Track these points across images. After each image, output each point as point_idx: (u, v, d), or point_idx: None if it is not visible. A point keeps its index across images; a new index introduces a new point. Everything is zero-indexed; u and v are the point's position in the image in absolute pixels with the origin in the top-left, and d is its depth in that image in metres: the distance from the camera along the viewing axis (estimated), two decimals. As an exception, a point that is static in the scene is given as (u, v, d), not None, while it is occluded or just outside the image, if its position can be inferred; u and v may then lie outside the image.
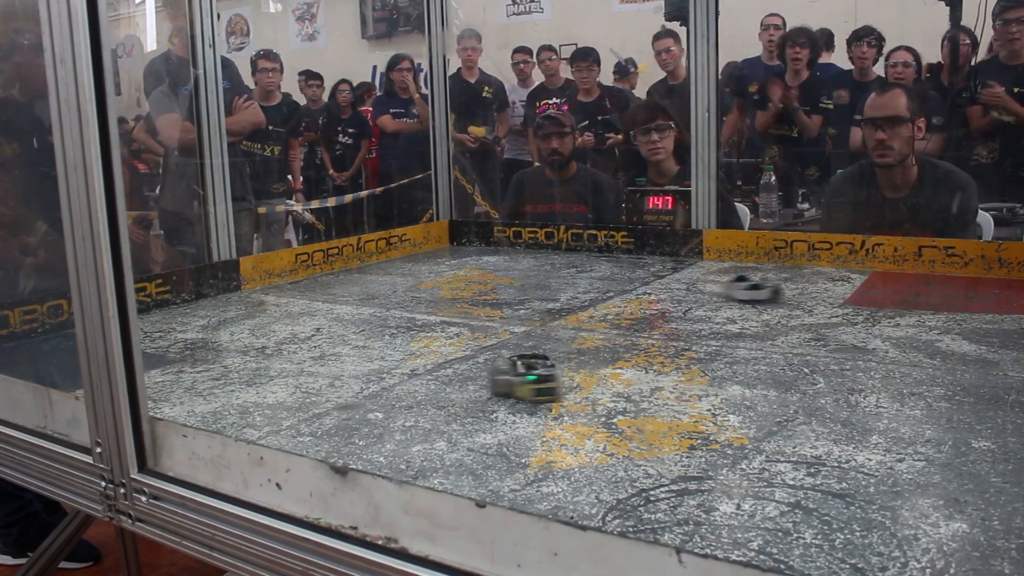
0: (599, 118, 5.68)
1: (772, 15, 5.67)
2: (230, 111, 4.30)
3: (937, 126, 4.33)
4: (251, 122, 4.67)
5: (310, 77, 7.18)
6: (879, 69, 5.17)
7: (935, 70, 4.97)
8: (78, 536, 2.30)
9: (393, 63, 6.53)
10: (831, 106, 5.16)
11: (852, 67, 5.27)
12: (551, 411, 1.59)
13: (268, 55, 5.72)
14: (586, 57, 5.80)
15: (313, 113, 7.04)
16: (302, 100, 6.92)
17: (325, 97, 7.14)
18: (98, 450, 1.38)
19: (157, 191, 4.40)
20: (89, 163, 1.24)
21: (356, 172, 6.99)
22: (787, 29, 5.50)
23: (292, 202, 6.02)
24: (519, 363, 1.70)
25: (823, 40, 5.61)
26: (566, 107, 5.70)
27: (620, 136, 5.11)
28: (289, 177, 6.10)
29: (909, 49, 4.95)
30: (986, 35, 4.69)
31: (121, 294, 1.28)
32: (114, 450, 1.35)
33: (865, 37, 5.16)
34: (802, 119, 5.14)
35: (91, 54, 1.21)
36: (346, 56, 8.83)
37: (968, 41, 4.73)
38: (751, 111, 5.52)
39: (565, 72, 6.28)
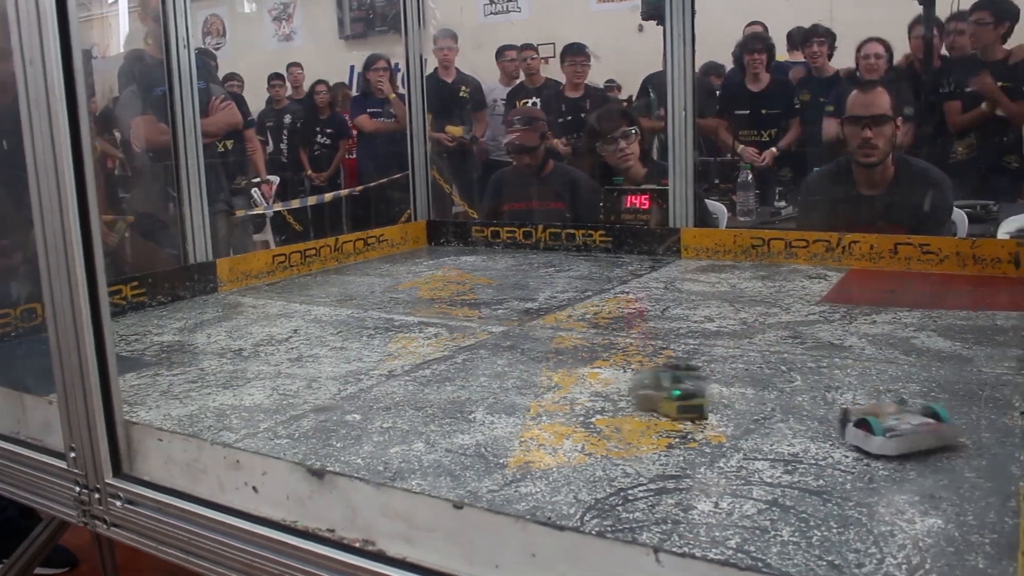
0: (582, 115, 5.69)
1: (752, 24, 5.72)
2: (206, 112, 4.28)
3: (910, 120, 4.37)
4: (228, 123, 4.64)
5: (272, 76, 7.18)
6: (848, 63, 5.24)
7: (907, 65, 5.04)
8: (54, 542, 2.28)
9: (369, 63, 6.51)
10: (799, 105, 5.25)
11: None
12: (529, 411, 1.59)
13: None
14: (579, 52, 5.81)
15: (278, 112, 7.03)
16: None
17: (290, 95, 7.15)
18: (72, 455, 1.36)
19: (131, 194, 4.36)
20: (60, 165, 1.23)
21: (335, 172, 6.97)
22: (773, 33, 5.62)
23: (257, 192, 5.95)
24: (663, 377, 1.56)
25: (799, 38, 5.68)
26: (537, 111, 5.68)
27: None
28: (256, 191, 6.01)
29: (880, 41, 4.99)
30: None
31: (94, 297, 1.27)
32: (88, 455, 1.33)
33: (814, 36, 5.25)
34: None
35: (61, 55, 1.20)
36: (324, 56, 8.80)
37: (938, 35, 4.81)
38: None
39: (545, 71, 6.28)
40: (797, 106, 5.25)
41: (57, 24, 1.20)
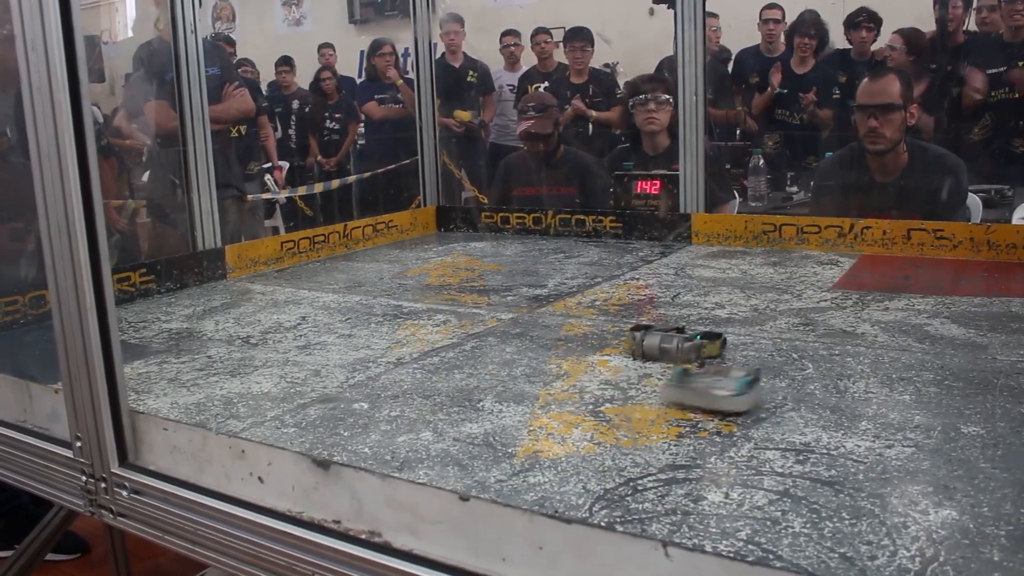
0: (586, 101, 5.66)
1: (772, 7, 5.67)
2: (220, 98, 4.26)
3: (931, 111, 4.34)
4: (240, 110, 4.62)
5: (280, 63, 7.14)
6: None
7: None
8: (64, 529, 2.29)
9: (374, 48, 6.48)
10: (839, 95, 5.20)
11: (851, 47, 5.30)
12: (538, 399, 1.57)
13: None
14: (581, 37, 5.75)
15: (286, 98, 7.00)
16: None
17: (297, 82, 7.11)
18: (78, 444, 1.36)
19: (145, 179, 4.36)
20: (63, 152, 1.21)
21: (344, 158, 6.95)
22: (788, 19, 5.55)
23: (270, 178, 5.94)
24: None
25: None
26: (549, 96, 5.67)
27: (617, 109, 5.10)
28: (269, 178, 6.00)
29: (900, 32, 4.96)
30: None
31: (98, 285, 1.26)
32: (94, 444, 1.33)
33: (863, 22, 5.20)
34: (818, 115, 5.20)
35: (63, 40, 1.19)
36: (333, 41, 8.77)
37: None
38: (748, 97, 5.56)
39: (558, 56, 6.23)
40: (837, 95, 5.21)
41: (59, 9, 1.19)
